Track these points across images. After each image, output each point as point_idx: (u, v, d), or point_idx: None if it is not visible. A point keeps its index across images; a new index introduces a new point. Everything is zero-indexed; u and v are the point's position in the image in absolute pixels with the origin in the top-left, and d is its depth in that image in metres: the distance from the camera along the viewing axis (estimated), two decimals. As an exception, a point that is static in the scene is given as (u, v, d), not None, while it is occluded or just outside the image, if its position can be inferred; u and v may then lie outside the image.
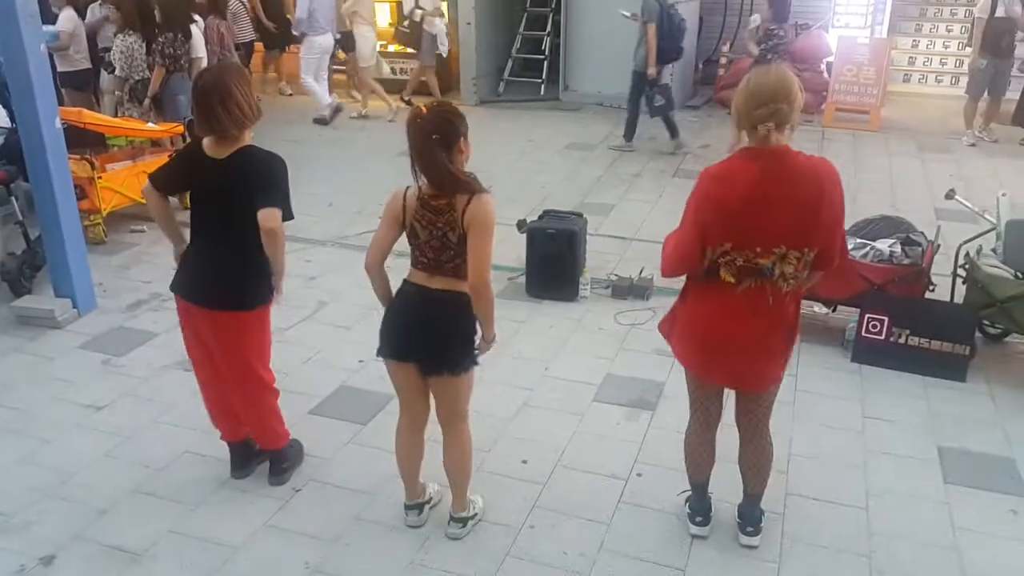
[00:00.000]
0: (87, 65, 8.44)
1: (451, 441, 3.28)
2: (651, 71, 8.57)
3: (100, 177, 6.29)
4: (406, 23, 10.89)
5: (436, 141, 2.83)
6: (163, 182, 3.42)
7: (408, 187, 2.98)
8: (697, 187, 2.89)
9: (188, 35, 7.45)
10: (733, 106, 2.84)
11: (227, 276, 3.30)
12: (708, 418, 3.26)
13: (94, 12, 8.61)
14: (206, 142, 3.26)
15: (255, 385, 3.53)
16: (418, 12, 10.54)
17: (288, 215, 3.30)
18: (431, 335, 3.05)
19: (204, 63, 7.70)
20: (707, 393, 3.21)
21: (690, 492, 3.43)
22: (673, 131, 9.03)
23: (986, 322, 4.88)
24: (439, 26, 10.61)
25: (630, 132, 9.23)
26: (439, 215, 2.91)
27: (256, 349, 3.49)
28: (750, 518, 3.33)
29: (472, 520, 3.41)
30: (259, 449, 3.74)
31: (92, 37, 8.50)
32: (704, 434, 3.28)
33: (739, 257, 2.83)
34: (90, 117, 6.74)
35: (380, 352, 3.15)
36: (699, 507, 3.40)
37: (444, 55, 10.99)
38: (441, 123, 2.87)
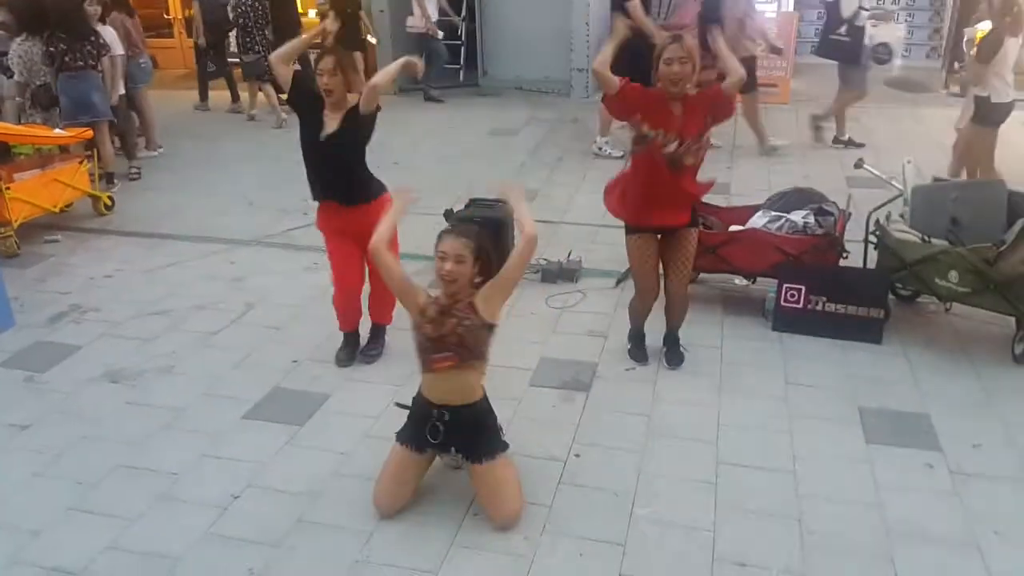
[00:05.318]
0: (-16, 72, 8.12)
1: None
2: (200, 40, 10.64)
3: (8, 188, 6.07)
4: (843, 29, 8.40)
5: None
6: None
7: None
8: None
9: (86, 34, 7.24)
10: None
11: (356, 181, 4.41)
12: (647, 289, 4.36)
13: None
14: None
15: None
16: (863, 14, 8.24)
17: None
18: None
19: (121, 59, 7.86)
20: (644, 257, 4.25)
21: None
22: (234, 95, 11.18)
23: (898, 285, 5.07)
24: (893, 34, 8.29)
25: (203, 94, 11.22)
26: None
27: None
28: (674, 355, 4.56)
29: None
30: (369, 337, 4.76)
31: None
32: (644, 301, 4.43)
33: (665, 140, 3.95)
34: (-8, 126, 6.50)
35: None
36: (638, 352, 4.63)
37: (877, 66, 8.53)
38: None
